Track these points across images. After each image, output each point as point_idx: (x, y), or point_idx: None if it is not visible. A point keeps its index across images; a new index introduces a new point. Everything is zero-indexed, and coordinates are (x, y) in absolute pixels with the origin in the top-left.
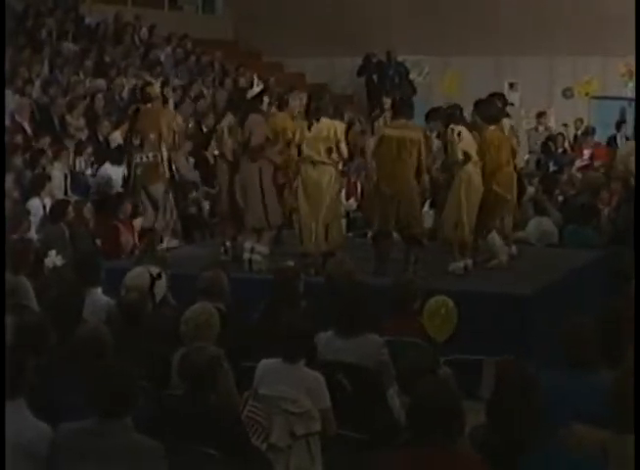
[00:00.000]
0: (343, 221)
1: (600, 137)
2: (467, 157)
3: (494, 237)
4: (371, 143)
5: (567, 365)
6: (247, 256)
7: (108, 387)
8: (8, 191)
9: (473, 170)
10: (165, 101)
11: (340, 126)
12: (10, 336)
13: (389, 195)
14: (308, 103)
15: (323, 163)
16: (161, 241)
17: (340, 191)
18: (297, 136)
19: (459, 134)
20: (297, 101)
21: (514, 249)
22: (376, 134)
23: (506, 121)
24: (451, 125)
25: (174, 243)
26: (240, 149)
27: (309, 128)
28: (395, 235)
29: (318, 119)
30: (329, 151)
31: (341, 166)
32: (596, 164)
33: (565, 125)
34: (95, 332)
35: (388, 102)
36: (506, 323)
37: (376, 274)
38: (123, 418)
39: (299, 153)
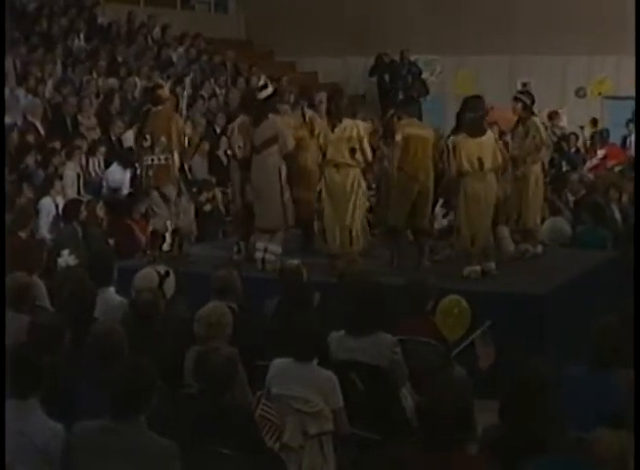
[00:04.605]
0: None
1: (613, 137)
2: (462, 170)
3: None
4: (397, 139)
5: (586, 364)
6: (259, 255)
7: (123, 385)
8: (19, 190)
9: (472, 180)
10: (178, 101)
11: (362, 126)
12: (24, 335)
13: (415, 191)
14: (329, 103)
15: (347, 164)
16: (164, 241)
17: (364, 193)
18: (321, 138)
19: (454, 148)
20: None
21: (539, 248)
22: (399, 134)
23: (535, 119)
24: (451, 137)
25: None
26: (252, 148)
27: (332, 130)
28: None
29: (340, 120)
30: (352, 152)
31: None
32: (609, 163)
33: (581, 128)
34: (110, 330)
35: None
36: (520, 323)
37: (394, 268)
38: (138, 417)
39: (324, 155)
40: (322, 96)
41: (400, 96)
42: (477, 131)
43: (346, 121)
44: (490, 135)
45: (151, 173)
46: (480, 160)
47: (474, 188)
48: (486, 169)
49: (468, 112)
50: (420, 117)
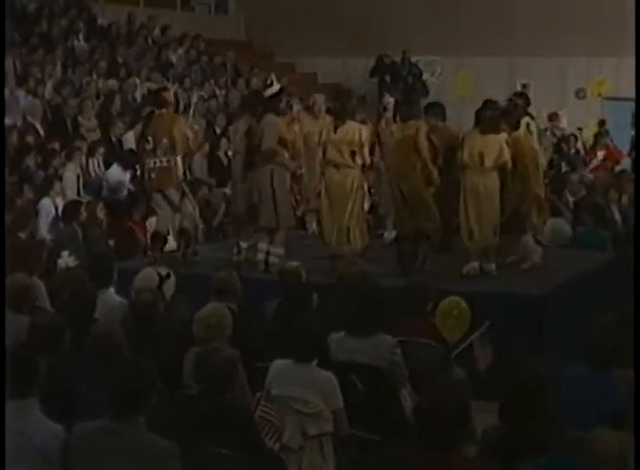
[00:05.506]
0: None
1: (613, 138)
2: (462, 163)
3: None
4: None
5: (586, 364)
6: (260, 256)
7: (123, 385)
8: (20, 191)
9: (472, 175)
10: (178, 102)
11: (365, 131)
12: (24, 336)
13: (402, 196)
14: (335, 104)
15: (346, 165)
16: (165, 243)
17: (363, 195)
18: (323, 137)
19: (462, 141)
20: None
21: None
22: (384, 144)
23: (523, 123)
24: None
25: (174, 245)
26: (254, 149)
27: (335, 130)
28: None
29: (344, 121)
30: (353, 154)
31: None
32: (609, 164)
33: (579, 129)
34: (109, 331)
35: (390, 101)
36: (520, 323)
37: (394, 270)
38: (138, 417)
39: (324, 155)
40: (317, 97)
41: (388, 98)
42: (489, 128)
43: (350, 124)
44: (502, 135)
45: (153, 176)
46: (481, 154)
47: (473, 182)
48: (487, 166)
49: (487, 110)
50: (443, 115)
